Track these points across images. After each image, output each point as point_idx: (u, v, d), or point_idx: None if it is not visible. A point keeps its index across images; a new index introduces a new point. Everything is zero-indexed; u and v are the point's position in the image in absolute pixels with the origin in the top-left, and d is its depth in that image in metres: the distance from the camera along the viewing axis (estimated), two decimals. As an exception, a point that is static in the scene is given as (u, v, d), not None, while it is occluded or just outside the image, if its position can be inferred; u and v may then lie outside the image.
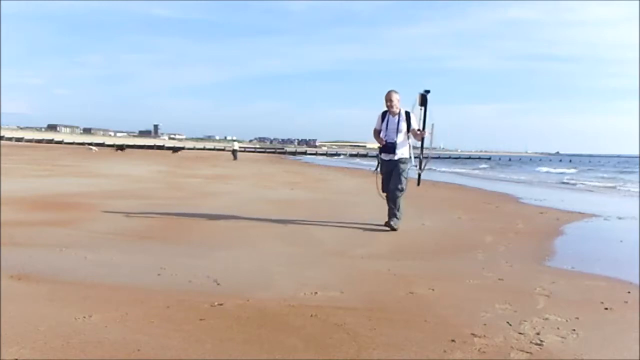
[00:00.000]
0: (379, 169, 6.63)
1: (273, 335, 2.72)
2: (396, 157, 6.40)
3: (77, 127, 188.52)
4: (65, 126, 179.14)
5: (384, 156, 6.48)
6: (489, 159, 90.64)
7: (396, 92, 6.43)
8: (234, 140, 57.62)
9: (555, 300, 3.52)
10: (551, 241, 6.00)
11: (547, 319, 3.12)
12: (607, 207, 10.74)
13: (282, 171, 22.58)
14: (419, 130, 6.45)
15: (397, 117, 6.40)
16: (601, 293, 3.75)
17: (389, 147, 6.38)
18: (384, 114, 6.49)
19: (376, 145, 6.69)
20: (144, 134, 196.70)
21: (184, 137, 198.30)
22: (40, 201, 8.00)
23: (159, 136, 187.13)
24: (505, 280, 4.03)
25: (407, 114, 6.42)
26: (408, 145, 6.51)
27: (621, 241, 6.34)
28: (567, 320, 3.10)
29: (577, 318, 3.15)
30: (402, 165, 6.40)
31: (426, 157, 6.81)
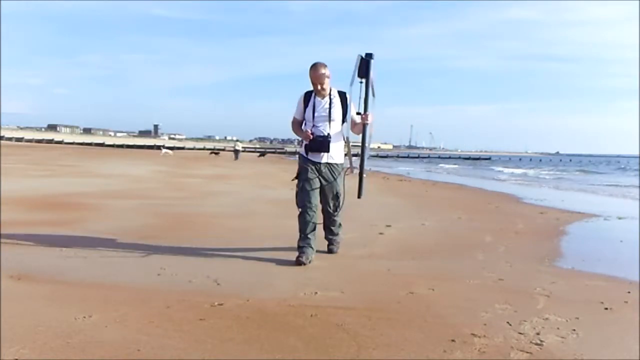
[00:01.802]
0: (298, 172, 4.63)
1: (273, 335, 2.72)
2: (331, 160, 4.55)
3: (77, 127, 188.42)
4: (65, 126, 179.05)
5: (313, 156, 4.55)
6: (489, 159, 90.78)
7: (325, 65, 4.51)
8: (237, 141, 57.03)
9: (555, 300, 3.51)
10: (551, 241, 6.00)
11: (547, 319, 3.12)
12: (607, 207, 10.73)
13: (282, 171, 22.57)
14: (359, 113, 4.52)
15: (327, 99, 4.54)
16: (601, 293, 3.75)
17: (320, 144, 4.49)
18: (307, 96, 4.59)
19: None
20: (144, 134, 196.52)
21: (184, 137, 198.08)
22: (40, 201, 8.00)
23: (159, 136, 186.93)
24: (505, 280, 4.03)
25: (343, 95, 4.57)
26: (343, 140, 4.68)
27: (621, 241, 6.34)
28: (567, 320, 3.10)
29: (577, 318, 3.15)
30: (339, 180, 4.63)
31: (360, 155, 4.62)
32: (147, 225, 6.15)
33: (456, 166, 47.19)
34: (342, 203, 4.68)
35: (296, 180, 4.60)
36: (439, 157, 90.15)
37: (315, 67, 4.50)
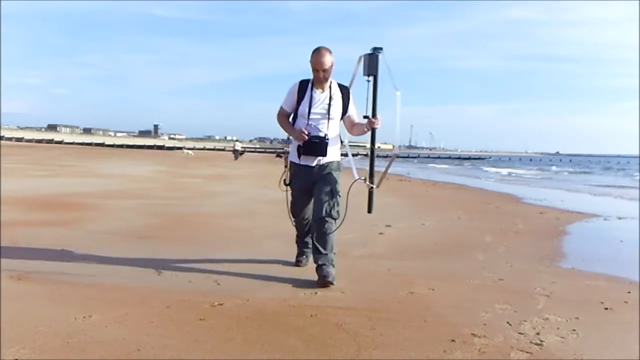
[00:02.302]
0: (286, 180, 4.04)
1: (273, 335, 2.72)
2: (324, 161, 3.86)
3: (77, 127, 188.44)
4: (65, 126, 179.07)
5: (305, 160, 3.86)
6: (483, 158, 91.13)
7: (330, 51, 3.82)
8: (236, 141, 57.51)
9: (555, 300, 3.52)
10: (551, 241, 6.00)
11: (547, 319, 3.12)
12: (607, 207, 10.73)
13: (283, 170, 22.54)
14: (366, 117, 3.85)
15: (327, 93, 3.85)
16: (601, 293, 3.75)
17: (315, 146, 3.80)
18: (302, 87, 3.88)
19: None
20: (144, 134, 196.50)
21: (184, 137, 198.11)
22: (40, 201, 8.00)
23: (159, 136, 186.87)
24: (505, 280, 4.03)
25: (345, 90, 3.94)
26: (340, 143, 4.05)
27: (621, 241, 6.34)
28: (567, 320, 3.10)
29: (577, 318, 3.15)
30: (335, 174, 3.88)
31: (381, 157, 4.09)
32: (147, 225, 6.14)
33: (446, 166, 47.90)
34: (338, 212, 3.82)
35: (285, 187, 4.05)
36: (438, 157, 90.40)
37: (319, 52, 3.76)
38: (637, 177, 28.21)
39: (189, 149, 54.19)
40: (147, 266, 4.10)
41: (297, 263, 4.26)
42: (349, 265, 4.41)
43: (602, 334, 2.94)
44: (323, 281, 3.69)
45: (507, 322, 3.02)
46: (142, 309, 3.06)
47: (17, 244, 4.72)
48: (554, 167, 45.73)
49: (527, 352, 2.60)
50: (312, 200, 3.91)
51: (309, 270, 4.15)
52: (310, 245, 4.10)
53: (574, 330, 2.94)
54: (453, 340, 2.70)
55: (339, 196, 3.85)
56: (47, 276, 3.73)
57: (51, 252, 4.50)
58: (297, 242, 4.32)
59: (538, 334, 2.86)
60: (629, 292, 3.79)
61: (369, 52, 3.90)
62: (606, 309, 3.40)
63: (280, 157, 3.87)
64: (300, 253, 4.30)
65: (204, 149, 79.92)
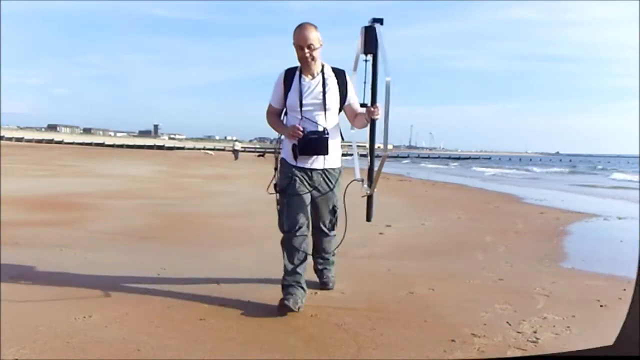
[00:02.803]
0: (280, 185, 3.36)
1: (273, 335, 2.72)
2: (326, 166, 3.27)
3: (77, 127, 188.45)
4: (65, 126, 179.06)
5: (302, 161, 3.24)
6: (489, 158, 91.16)
7: (316, 27, 3.16)
8: (235, 140, 58.04)
9: (555, 300, 3.52)
10: (551, 241, 6.00)
11: (545, 318, 3.13)
12: (607, 207, 10.73)
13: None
14: (364, 105, 3.24)
15: (319, 79, 3.21)
16: (600, 293, 3.75)
17: (314, 143, 3.18)
18: (289, 75, 3.25)
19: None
20: (144, 134, 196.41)
21: (184, 137, 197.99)
22: (40, 201, 8.00)
23: (159, 136, 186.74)
24: (505, 280, 4.03)
25: (340, 74, 3.27)
26: (340, 137, 3.38)
27: (621, 241, 6.34)
28: (563, 319, 3.11)
29: (574, 316, 3.16)
30: (336, 192, 3.37)
31: (377, 157, 3.26)
32: (147, 225, 6.15)
33: (437, 165, 48.41)
34: (337, 222, 3.47)
35: (275, 193, 3.40)
36: (438, 157, 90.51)
37: (302, 26, 3.13)
38: (611, 177, 28.59)
39: (208, 149, 56.19)
40: (147, 266, 4.11)
41: (283, 305, 3.07)
42: (349, 265, 4.41)
43: (595, 330, 2.95)
44: (322, 287, 3.61)
45: (507, 322, 3.03)
46: (142, 309, 3.06)
47: (17, 244, 4.72)
48: (535, 168, 46.44)
49: (522, 350, 2.61)
50: (307, 211, 3.32)
51: (308, 270, 4.15)
52: (301, 281, 3.22)
53: (568, 327, 2.96)
54: (453, 340, 2.70)
55: (338, 208, 3.41)
56: (47, 276, 3.74)
57: (51, 252, 4.50)
58: (283, 282, 3.21)
59: (535, 332, 2.86)
60: (625, 290, 3.79)
61: (367, 24, 3.20)
62: (601, 306, 3.42)
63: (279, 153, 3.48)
64: (288, 292, 3.14)
65: (204, 148, 79.88)
